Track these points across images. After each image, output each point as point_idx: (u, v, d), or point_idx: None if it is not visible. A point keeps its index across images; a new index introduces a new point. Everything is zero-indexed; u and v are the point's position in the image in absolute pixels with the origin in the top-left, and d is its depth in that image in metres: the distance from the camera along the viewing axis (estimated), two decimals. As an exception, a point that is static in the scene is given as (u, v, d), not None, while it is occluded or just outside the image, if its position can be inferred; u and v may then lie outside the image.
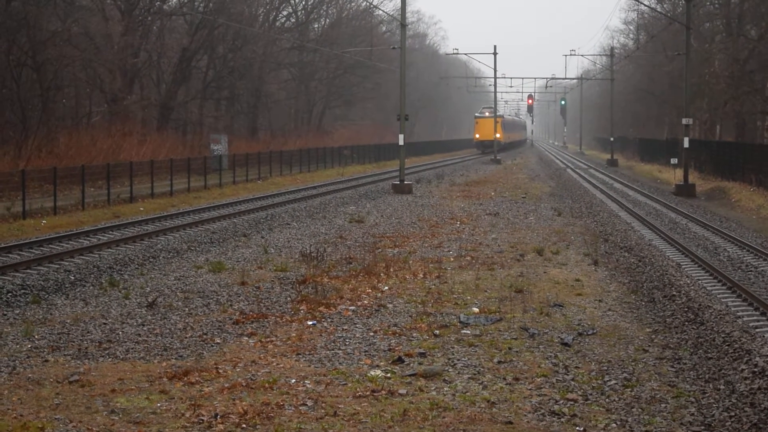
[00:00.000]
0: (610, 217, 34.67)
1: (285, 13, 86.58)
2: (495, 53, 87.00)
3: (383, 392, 12.11)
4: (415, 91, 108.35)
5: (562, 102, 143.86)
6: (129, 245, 25.32)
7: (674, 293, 18.83)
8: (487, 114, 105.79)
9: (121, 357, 13.92)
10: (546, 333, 15.55)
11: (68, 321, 16.27)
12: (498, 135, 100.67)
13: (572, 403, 11.85)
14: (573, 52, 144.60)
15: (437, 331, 15.54)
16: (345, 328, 15.84)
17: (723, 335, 15.01)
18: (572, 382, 12.74)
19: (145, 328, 15.69)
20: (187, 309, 17.27)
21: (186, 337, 15.11)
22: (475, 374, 13.07)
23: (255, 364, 13.51)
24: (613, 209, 38.08)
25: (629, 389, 12.44)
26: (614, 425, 11.11)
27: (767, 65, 57.98)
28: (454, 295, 18.80)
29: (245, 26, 66.17)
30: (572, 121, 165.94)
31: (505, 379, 12.88)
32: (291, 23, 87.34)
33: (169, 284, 19.87)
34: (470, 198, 42.81)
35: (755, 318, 16.61)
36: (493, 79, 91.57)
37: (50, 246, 24.54)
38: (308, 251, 23.40)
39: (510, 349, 14.48)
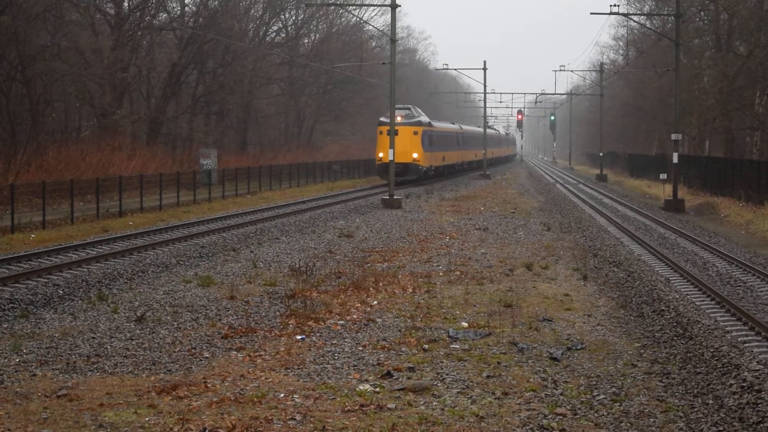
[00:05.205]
0: (600, 232, 34.72)
1: (275, 28, 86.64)
2: (485, 69, 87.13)
3: (372, 407, 12.10)
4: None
5: (552, 117, 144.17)
6: (118, 259, 25.27)
7: (663, 308, 18.87)
8: (399, 119, 61.22)
9: (110, 371, 13.88)
10: (535, 348, 15.56)
11: (56, 335, 16.22)
12: (416, 155, 64.23)
13: (561, 417, 11.85)
14: (562, 68, 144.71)
15: (426, 346, 15.53)
16: (334, 342, 15.82)
17: (712, 350, 15.05)
18: (561, 397, 12.74)
19: (133, 343, 15.65)
20: (175, 323, 17.23)
21: (174, 352, 15.08)
22: (464, 389, 13.07)
23: (243, 378, 13.48)
24: (603, 224, 38.13)
25: (618, 404, 12.46)
26: (603, 440, 11.12)
27: (756, 81, 58.25)
28: (443, 310, 18.80)
29: (235, 41, 66.22)
30: (561, 137, 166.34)
31: (494, 393, 12.88)
32: (281, 38, 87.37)
33: (158, 298, 19.83)
34: (459, 213, 42.84)
35: (744, 333, 16.64)
36: (482, 95, 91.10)
37: (39, 260, 24.48)
38: (297, 266, 23.43)
39: (499, 363, 14.49)
